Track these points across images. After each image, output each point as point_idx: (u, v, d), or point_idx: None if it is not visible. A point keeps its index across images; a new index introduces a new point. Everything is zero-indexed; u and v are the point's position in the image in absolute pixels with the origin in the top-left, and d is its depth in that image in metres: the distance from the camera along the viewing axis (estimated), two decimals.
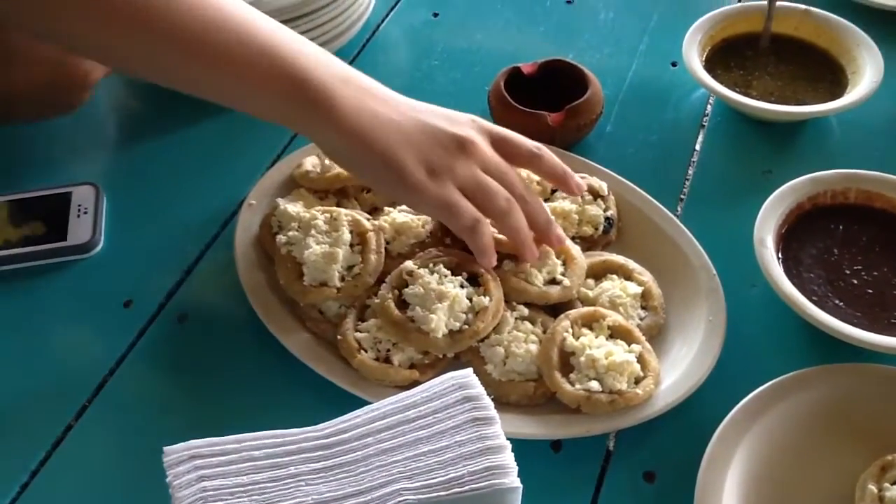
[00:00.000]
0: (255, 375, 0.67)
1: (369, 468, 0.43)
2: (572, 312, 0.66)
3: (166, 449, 0.44)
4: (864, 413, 0.61)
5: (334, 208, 0.70)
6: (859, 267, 0.70)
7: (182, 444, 0.44)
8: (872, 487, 0.56)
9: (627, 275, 0.70)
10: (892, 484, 0.56)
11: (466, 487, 0.42)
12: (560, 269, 0.69)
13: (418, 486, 0.42)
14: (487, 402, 0.46)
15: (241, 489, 0.42)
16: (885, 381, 0.62)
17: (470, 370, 0.47)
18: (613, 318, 0.66)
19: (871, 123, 0.86)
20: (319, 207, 0.71)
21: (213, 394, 0.66)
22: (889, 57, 0.85)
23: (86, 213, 0.77)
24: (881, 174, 0.74)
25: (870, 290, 0.68)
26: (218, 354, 0.69)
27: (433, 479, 0.43)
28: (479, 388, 0.46)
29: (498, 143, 0.68)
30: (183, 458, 0.44)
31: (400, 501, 0.42)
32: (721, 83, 0.85)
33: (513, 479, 0.43)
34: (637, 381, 0.63)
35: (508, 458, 0.43)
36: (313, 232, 0.68)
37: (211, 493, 0.42)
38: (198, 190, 0.82)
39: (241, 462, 0.43)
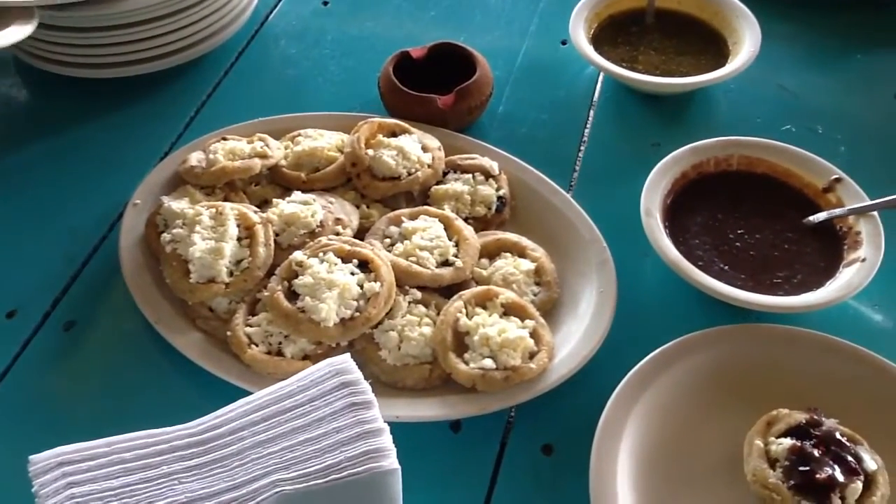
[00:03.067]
0: (148, 378, 0.66)
1: (244, 461, 0.42)
2: (465, 292, 0.66)
3: (32, 458, 0.43)
4: (748, 372, 0.63)
5: (219, 203, 0.69)
6: (742, 231, 0.72)
7: (49, 451, 0.43)
8: (759, 442, 0.58)
9: (521, 252, 0.71)
10: (776, 437, 0.57)
11: (344, 473, 0.42)
12: (453, 250, 0.69)
13: (294, 475, 0.42)
14: (365, 386, 0.45)
15: (112, 493, 0.41)
16: (767, 340, 0.64)
17: (347, 355, 0.47)
18: (506, 295, 0.66)
19: (753, 92, 0.89)
20: (205, 203, 0.69)
21: (105, 399, 0.64)
22: (767, 30, 0.87)
23: None
24: (761, 139, 0.76)
25: (752, 253, 0.70)
26: (107, 359, 0.67)
27: (310, 467, 0.42)
28: (356, 373, 0.46)
29: None
30: (51, 465, 0.42)
31: (275, 493, 0.41)
32: (608, 59, 0.86)
33: (391, 462, 0.43)
34: (531, 356, 0.63)
35: (387, 440, 0.43)
36: (198, 228, 0.66)
37: (79, 499, 0.41)
38: (83, 192, 0.79)
39: (111, 465, 0.42)
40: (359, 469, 0.42)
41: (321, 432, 0.43)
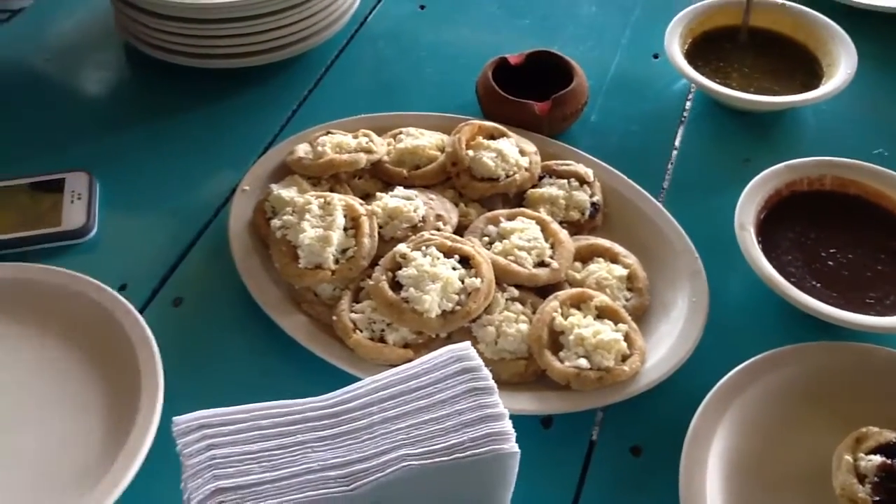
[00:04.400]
0: (251, 357, 0.69)
1: (373, 436, 0.45)
2: (561, 293, 0.68)
3: (175, 419, 0.46)
4: (838, 389, 0.64)
5: (328, 193, 0.72)
6: (834, 250, 0.72)
7: (190, 414, 0.46)
8: (848, 457, 0.58)
9: (613, 258, 0.73)
10: (866, 454, 0.58)
11: (468, 453, 0.44)
12: (549, 252, 0.71)
13: (421, 451, 0.44)
14: (486, 373, 0.47)
15: (250, 456, 0.44)
16: (858, 358, 0.65)
17: (468, 343, 0.49)
18: (601, 298, 0.68)
19: (844, 114, 0.89)
20: (313, 192, 0.72)
21: (211, 375, 0.67)
22: (861, 51, 0.88)
23: (79, 198, 0.78)
24: (855, 161, 0.77)
25: (844, 273, 0.71)
26: (214, 337, 0.70)
27: (435, 445, 0.44)
28: (477, 360, 0.48)
29: None
30: (192, 427, 0.45)
31: (403, 466, 0.43)
32: (701, 74, 0.87)
33: (512, 445, 0.45)
34: (624, 359, 0.65)
35: (507, 425, 0.45)
36: (308, 216, 0.69)
37: (220, 460, 0.44)
38: (190, 177, 0.83)
39: (248, 431, 0.45)
40: (481, 450, 0.44)
41: (444, 413, 0.46)
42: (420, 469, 0.44)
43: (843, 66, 0.87)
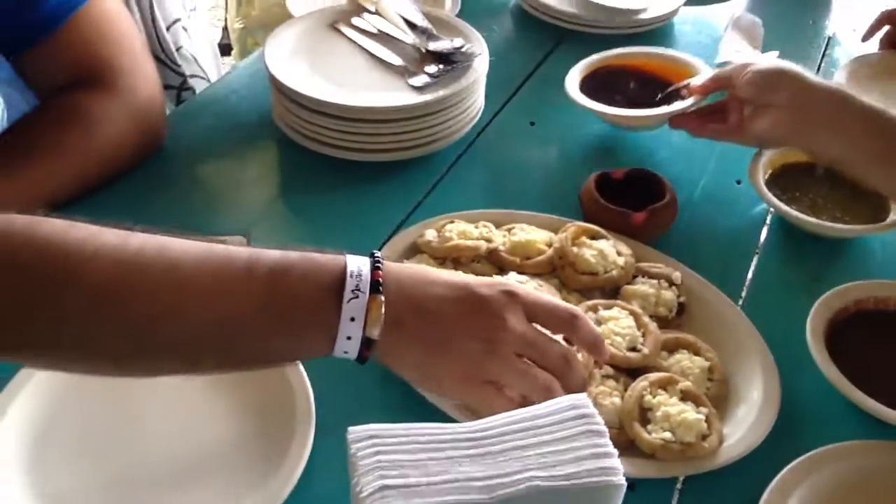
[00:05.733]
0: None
1: (508, 459, 0.55)
2: (651, 374, 0.78)
3: (350, 429, 0.57)
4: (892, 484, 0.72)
5: (454, 271, 0.84)
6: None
7: (363, 426, 0.57)
8: None
9: (696, 351, 0.83)
10: None
11: (584, 480, 0.54)
12: (640, 339, 0.82)
13: (546, 475, 0.54)
14: (599, 419, 0.58)
15: (410, 463, 0.55)
16: None
17: (584, 394, 0.60)
18: (685, 383, 0.78)
19: None
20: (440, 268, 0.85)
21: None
22: None
23: None
24: None
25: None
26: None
27: (558, 471, 0.54)
28: (591, 408, 0.58)
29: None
30: (364, 436, 0.56)
31: (531, 485, 0.54)
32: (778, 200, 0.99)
33: (621, 479, 0.55)
34: (704, 438, 0.74)
35: (617, 462, 0.55)
36: None
37: (386, 463, 0.54)
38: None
39: (409, 443, 0.55)
40: (594, 479, 0.54)
41: (563, 448, 0.56)
42: (545, 489, 0.54)
43: None
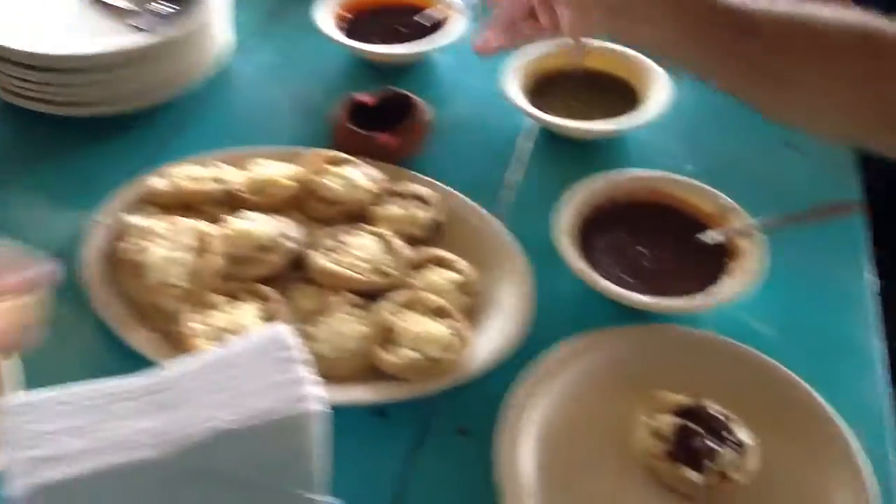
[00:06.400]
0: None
1: (192, 405, 0.49)
2: (394, 294, 0.74)
3: (2, 401, 0.49)
4: (640, 366, 0.72)
5: (174, 217, 0.77)
6: (644, 250, 0.81)
7: (18, 397, 0.49)
8: (644, 418, 0.66)
9: (450, 266, 0.79)
10: (659, 414, 0.66)
11: (274, 414, 0.49)
12: (386, 261, 0.77)
13: (229, 416, 0.49)
14: (297, 348, 0.53)
15: (67, 430, 0.48)
16: (658, 339, 0.74)
17: (284, 326, 0.54)
18: (431, 299, 0.74)
19: (660, 140, 0.99)
20: (160, 216, 0.78)
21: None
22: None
23: None
24: (664, 173, 0.87)
25: (651, 266, 0.80)
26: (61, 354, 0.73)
27: (245, 410, 0.49)
28: (289, 338, 0.53)
29: None
30: (19, 408, 0.49)
31: (210, 427, 0.48)
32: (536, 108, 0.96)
33: (316, 406, 0.50)
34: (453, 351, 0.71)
35: (313, 389, 0.50)
36: (157, 239, 0.74)
37: (37, 434, 0.47)
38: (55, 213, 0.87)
39: (71, 407, 0.49)
40: (287, 410, 0.49)
41: (256, 384, 0.51)
42: (229, 431, 0.48)
43: (658, 97, 0.97)
